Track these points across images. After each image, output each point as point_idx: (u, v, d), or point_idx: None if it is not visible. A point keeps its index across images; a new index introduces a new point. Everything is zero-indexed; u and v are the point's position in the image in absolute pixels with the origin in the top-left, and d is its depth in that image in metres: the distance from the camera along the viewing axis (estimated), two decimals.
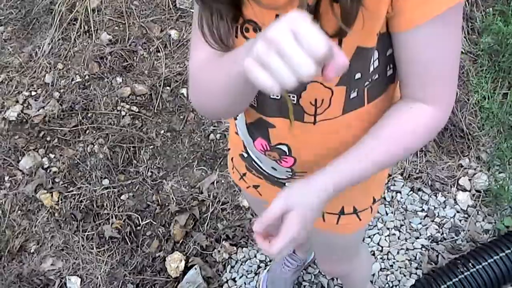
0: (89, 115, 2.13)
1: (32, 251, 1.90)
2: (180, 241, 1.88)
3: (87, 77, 2.22)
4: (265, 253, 0.72)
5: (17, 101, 2.13)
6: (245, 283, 1.79)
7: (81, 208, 1.95)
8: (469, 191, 2.01)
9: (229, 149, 1.14)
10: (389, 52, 0.75)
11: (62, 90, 2.17)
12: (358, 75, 0.75)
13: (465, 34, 2.36)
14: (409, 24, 0.68)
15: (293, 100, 0.78)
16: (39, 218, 1.95)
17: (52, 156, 2.06)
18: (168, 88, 2.22)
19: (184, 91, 2.22)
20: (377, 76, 0.78)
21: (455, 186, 2.02)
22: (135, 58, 2.28)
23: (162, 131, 2.15)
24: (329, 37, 0.52)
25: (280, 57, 0.51)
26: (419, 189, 2.01)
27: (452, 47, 0.72)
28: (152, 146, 2.12)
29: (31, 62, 2.30)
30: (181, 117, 2.19)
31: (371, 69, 0.76)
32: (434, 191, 2.01)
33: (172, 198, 1.96)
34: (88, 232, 1.91)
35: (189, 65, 0.82)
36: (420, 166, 2.07)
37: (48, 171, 2.03)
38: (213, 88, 0.74)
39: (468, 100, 2.24)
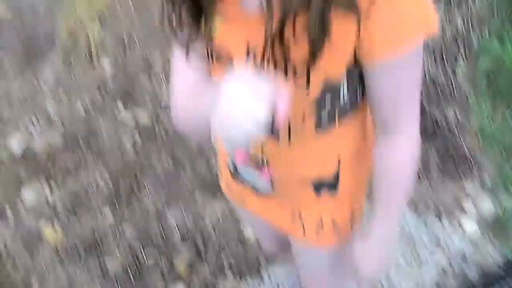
0: (91, 144, 2.06)
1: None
2: (184, 274, 1.80)
3: (89, 105, 2.15)
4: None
5: (19, 131, 2.05)
6: None
7: (84, 241, 1.87)
8: (475, 216, 1.94)
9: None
10: (356, 77, 0.74)
11: (64, 120, 2.10)
12: (327, 101, 0.75)
13: (462, 57, 2.31)
14: (374, 60, 0.68)
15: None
16: (41, 252, 1.86)
17: (54, 187, 1.98)
18: (170, 114, 2.15)
19: None
20: (347, 103, 0.78)
21: (460, 211, 1.95)
22: (136, 85, 2.22)
23: (165, 160, 2.08)
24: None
25: (232, 122, 0.59)
26: (423, 215, 1.94)
27: (415, 79, 0.74)
28: (154, 176, 2.05)
29: (33, 92, 2.23)
30: (184, 145, 2.12)
31: (340, 97, 0.76)
32: (439, 216, 1.94)
33: (176, 229, 1.88)
34: (91, 266, 1.83)
35: (172, 92, 0.84)
36: (424, 191, 2.01)
37: (50, 203, 1.95)
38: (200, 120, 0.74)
39: (468, 122, 2.18)
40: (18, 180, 1.97)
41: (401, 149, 0.80)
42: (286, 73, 0.69)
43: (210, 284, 1.77)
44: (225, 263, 1.80)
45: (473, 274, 1.77)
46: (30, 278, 1.83)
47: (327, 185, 0.91)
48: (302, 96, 0.72)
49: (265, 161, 0.87)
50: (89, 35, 2.39)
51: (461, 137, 2.12)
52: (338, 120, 0.80)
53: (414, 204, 1.97)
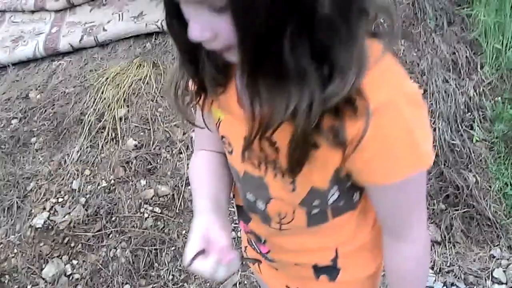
0: (113, 218, 2.08)
1: None
2: None
3: (112, 181, 2.20)
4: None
5: (44, 208, 2.10)
6: None
7: None
8: (505, 283, 1.84)
9: None
10: (348, 184, 0.73)
11: (88, 196, 2.15)
12: (316, 202, 0.74)
13: (477, 122, 2.32)
14: (370, 182, 0.68)
15: (262, 208, 0.80)
16: None
17: (75, 262, 1.98)
18: (189, 187, 2.19)
19: None
20: (341, 203, 0.76)
21: (490, 279, 1.85)
22: (158, 160, 2.28)
23: (184, 232, 2.07)
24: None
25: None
26: (452, 284, 1.84)
27: (415, 195, 0.71)
28: (174, 248, 2.03)
29: (60, 170, 2.31)
30: None
31: (330, 201, 0.74)
32: (468, 285, 1.84)
33: None
34: None
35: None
36: (450, 259, 1.92)
37: (70, 278, 1.94)
38: None
39: (490, 187, 2.13)
40: (40, 256, 1.98)
41: (406, 254, 0.77)
42: (274, 170, 0.70)
43: None
44: None
45: None
46: None
47: (325, 271, 0.88)
48: (290, 193, 0.72)
49: (262, 239, 0.88)
50: (115, 116, 2.52)
51: (484, 202, 2.06)
52: (332, 217, 0.79)
53: (442, 272, 1.88)
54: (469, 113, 2.31)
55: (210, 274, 0.69)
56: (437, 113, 2.22)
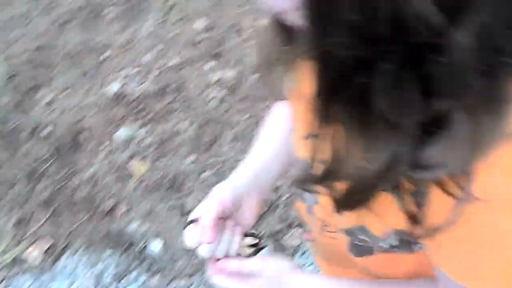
0: (181, 94, 2.21)
1: (121, 213, 2.01)
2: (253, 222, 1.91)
3: (181, 60, 2.29)
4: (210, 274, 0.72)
5: (118, 77, 2.24)
6: (314, 271, 1.79)
7: (167, 179, 2.04)
8: None
9: None
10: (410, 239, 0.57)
11: (158, 71, 2.26)
12: (363, 237, 0.61)
13: None
14: (439, 264, 0.52)
15: (310, 203, 0.71)
16: (129, 184, 2.06)
17: (145, 130, 2.16)
18: (255, 76, 2.25)
19: None
20: (394, 249, 0.61)
21: None
22: (227, 45, 2.33)
23: (245, 117, 2.19)
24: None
25: None
26: None
27: None
28: (234, 130, 2.16)
29: (132, 43, 2.41)
30: (264, 104, 2.21)
31: (383, 246, 0.60)
32: None
33: None
34: (172, 202, 2.00)
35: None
36: None
37: (140, 143, 2.13)
38: None
39: None
40: (114, 119, 2.17)
41: None
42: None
43: (278, 236, 1.87)
44: (294, 219, 1.88)
45: None
46: (118, 205, 2.03)
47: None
48: (335, 215, 0.57)
49: (307, 227, 0.79)
50: None
51: None
52: (378, 253, 0.64)
53: None
54: None
55: (189, 245, 0.68)
56: None
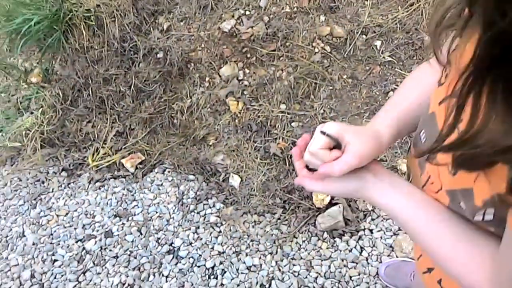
0: (287, 43, 2.24)
1: (210, 143, 2.15)
2: None
3: (295, 9, 2.30)
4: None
5: (233, 16, 2.31)
6: (381, 238, 1.80)
7: (257, 122, 2.12)
8: None
9: None
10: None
11: (271, 16, 2.30)
12: (461, 204, 0.63)
13: None
14: None
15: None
16: (222, 119, 2.17)
17: (247, 71, 2.24)
18: (364, 36, 2.20)
19: (378, 43, 2.18)
20: (489, 226, 0.63)
21: None
22: (342, 1, 2.29)
23: (345, 76, 2.17)
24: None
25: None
26: None
27: None
28: (331, 87, 2.16)
29: None
30: (367, 67, 2.17)
31: (476, 218, 0.61)
32: None
33: None
34: (257, 144, 2.08)
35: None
36: None
37: (240, 83, 2.22)
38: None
39: None
40: (222, 56, 2.26)
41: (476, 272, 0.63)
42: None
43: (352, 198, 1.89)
44: None
45: None
46: (209, 136, 2.16)
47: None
48: (448, 174, 0.63)
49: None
50: None
51: None
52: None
53: None
54: None
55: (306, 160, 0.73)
56: None
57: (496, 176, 0.52)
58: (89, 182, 2.18)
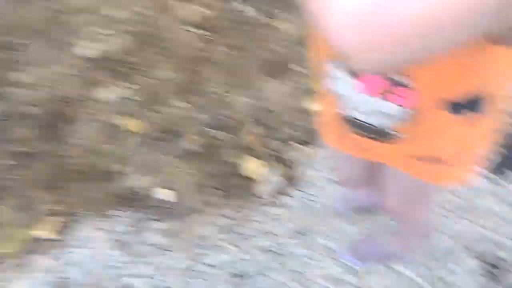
0: (160, 43, 2.16)
1: (124, 172, 1.98)
2: (256, 149, 1.90)
3: (152, 8, 2.23)
4: None
5: (90, 38, 2.18)
6: (319, 177, 1.81)
7: (161, 129, 2.01)
8: None
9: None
10: None
11: (131, 24, 2.20)
12: None
13: None
14: None
15: None
16: (124, 142, 2.03)
17: (128, 85, 2.12)
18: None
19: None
20: None
21: None
22: None
23: (229, 50, 2.15)
24: None
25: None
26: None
27: None
28: (219, 64, 2.12)
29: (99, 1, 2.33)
30: (243, 35, 2.17)
31: None
32: None
33: (241, 111, 1.97)
34: (171, 149, 1.97)
35: None
36: None
37: (126, 99, 2.09)
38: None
39: None
40: (94, 82, 2.11)
41: None
42: None
43: (277, 152, 1.87)
44: (292, 135, 1.88)
45: None
46: (120, 164, 2.00)
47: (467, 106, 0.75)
48: None
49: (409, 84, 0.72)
50: None
51: None
52: None
53: None
54: None
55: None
56: None
57: None
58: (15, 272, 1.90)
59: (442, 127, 0.78)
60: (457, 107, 0.73)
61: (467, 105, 0.73)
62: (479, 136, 0.85)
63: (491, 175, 1.75)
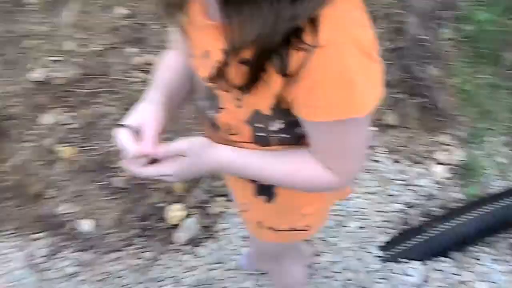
0: (106, 80, 2.25)
1: (50, 196, 2.03)
2: (181, 195, 2.00)
3: (104, 46, 2.33)
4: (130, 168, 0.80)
5: (41, 65, 2.25)
6: (235, 233, 1.92)
7: (95, 161, 2.08)
8: (445, 165, 2.10)
9: None
10: (292, 119, 0.73)
11: (82, 57, 2.29)
12: (260, 125, 0.77)
13: (448, 22, 2.45)
14: (302, 115, 0.69)
15: (212, 115, 0.85)
16: (57, 168, 2.08)
17: (71, 114, 2.19)
18: None
19: None
20: (285, 134, 0.79)
21: (432, 159, 2.12)
22: (147, 31, 2.40)
23: None
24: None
25: None
26: (398, 161, 2.11)
27: (347, 143, 0.72)
28: None
29: (55, 31, 2.42)
30: None
31: (273, 129, 0.77)
32: (413, 163, 2.11)
33: None
34: (100, 182, 2.05)
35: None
36: (401, 140, 2.17)
37: (67, 127, 2.16)
38: None
39: (448, 82, 2.33)
40: (38, 106, 2.18)
41: (318, 168, 0.77)
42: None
43: (204, 205, 1.97)
44: (218, 189, 2.00)
45: (436, 210, 1.95)
46: (46, 189, 2.05)
47: (264, 192, 0.94)
48: (236, 109, 0.75)
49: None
50: None
51: (440, 95, 2.27)
52: (275, 144, 0.81)
53: (392, 151, 2.13)
54: (443, 11, 2.43)
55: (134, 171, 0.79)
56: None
57: (264, 84, 0.66)
58: None
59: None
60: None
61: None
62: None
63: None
